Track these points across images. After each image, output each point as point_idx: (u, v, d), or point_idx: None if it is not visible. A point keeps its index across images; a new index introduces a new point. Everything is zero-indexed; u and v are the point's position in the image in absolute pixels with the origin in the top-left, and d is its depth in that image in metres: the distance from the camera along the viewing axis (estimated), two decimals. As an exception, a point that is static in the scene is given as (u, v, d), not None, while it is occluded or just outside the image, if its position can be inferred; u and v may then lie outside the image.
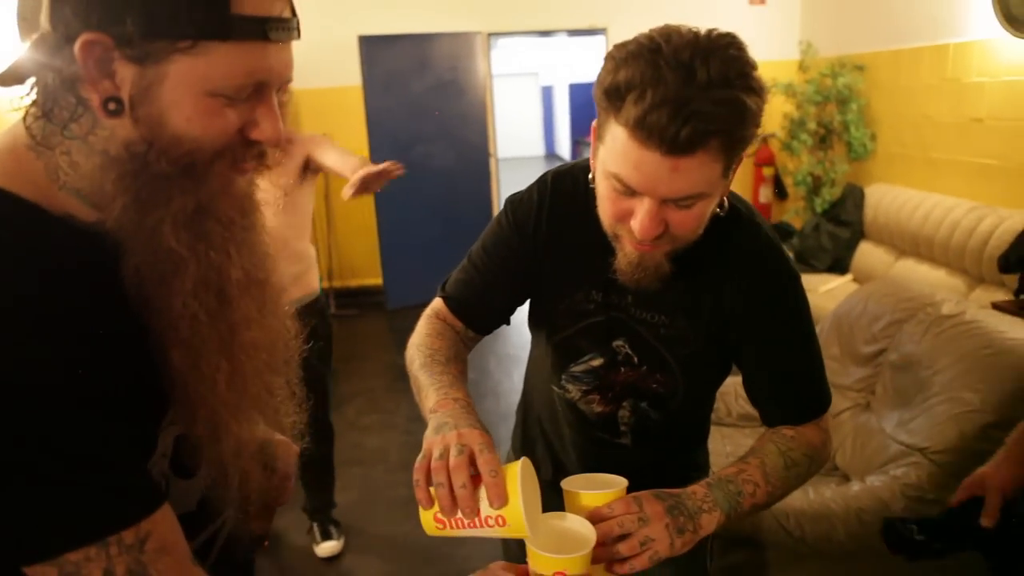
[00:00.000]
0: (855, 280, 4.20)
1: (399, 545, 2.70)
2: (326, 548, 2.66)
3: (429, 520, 0.83)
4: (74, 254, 0.65)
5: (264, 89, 0.66)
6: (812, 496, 1.94)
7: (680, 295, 1.05)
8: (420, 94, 5.27)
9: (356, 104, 5.26)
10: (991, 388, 1.91)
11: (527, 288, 1.15)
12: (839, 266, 4.38)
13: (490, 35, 5.52)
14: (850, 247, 4.38)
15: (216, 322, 0.69)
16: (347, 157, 2.43)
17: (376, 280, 5.62)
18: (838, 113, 4.76)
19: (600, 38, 6.04)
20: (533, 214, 1.11)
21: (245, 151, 0.68)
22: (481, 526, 0.80)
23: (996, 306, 2.74)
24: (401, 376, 4.30)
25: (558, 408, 1.22)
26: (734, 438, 2.51)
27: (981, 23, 3.58)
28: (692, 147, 0.82)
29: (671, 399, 1.13)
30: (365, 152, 5.34)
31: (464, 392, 0.99)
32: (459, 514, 0.79)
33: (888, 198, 4.18)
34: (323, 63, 5.18)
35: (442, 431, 0.85)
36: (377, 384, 4.17)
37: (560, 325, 1.14)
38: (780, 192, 5.53)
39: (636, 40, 0.85)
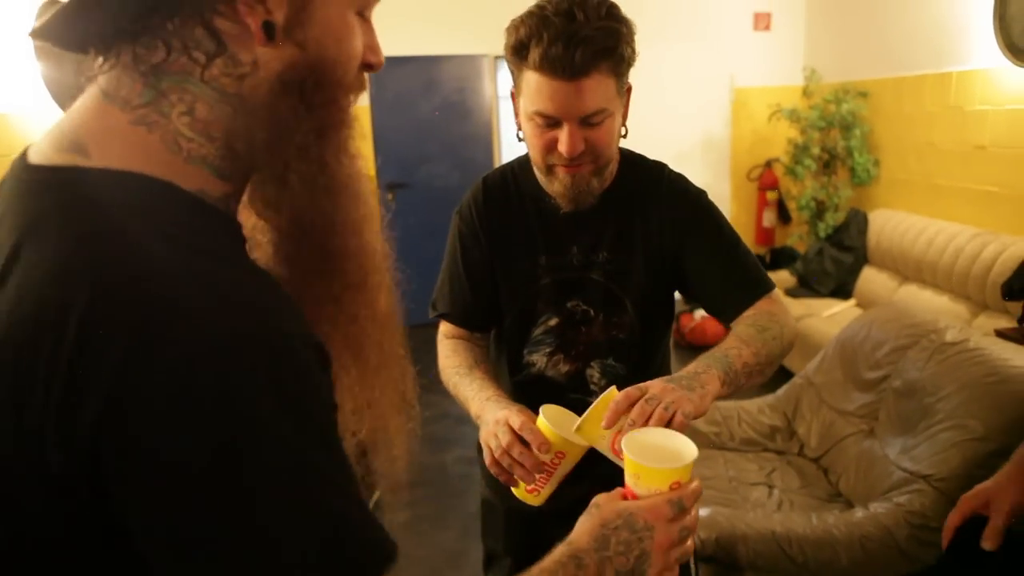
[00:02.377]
0: (858, 305, 4.20)
1: (400, 566, 2.69)
2: None
3: (525, 494, 1.03)
4: (239, 243, 0.58)
5: (370, 10, 0.63)
6: (815, 522, 1.93)
7: (614, 233, 1.24)
8: (427, 115, 5.32)
9: (363, 125, 5.29)
10: (995, 416, 1.91)
11: (495, 278, 1.30)
12: (842, 291, 4.38)
13: (497, 58, 5.57)
14: (853, 272, 4.38)
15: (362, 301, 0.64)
16: None
17: (380, 299, 5.63)
18: (842, 139, 4.78)
19: (606, 62, 6.09)
20: (474, 213, 1.30)
21: (360, 79, 0.62)
22: (555, 470, 1.00)
23: (999, 333, 2.73)
24: (403, 395, 4.33)
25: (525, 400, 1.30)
26: (737, 463, 2.51)
27: (984, 52, 3.61)
28: (587, 68, 1.04)
29: (632, 346, 1.27)
30: (372, 172, 5.38)
31: (492, 387, 1.18)
32: (536, 476, 0.99)
33: (892, 224, 4.19)
34: None
35: (486, 428, 1.07)
36: (379, 403, 4.17)
37: (516, 295, 1.28)
38: (784, 216, 5.54)
39: (527, 10, 1.08)
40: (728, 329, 1.22)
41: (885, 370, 2.41)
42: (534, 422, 1.02)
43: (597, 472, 0.98)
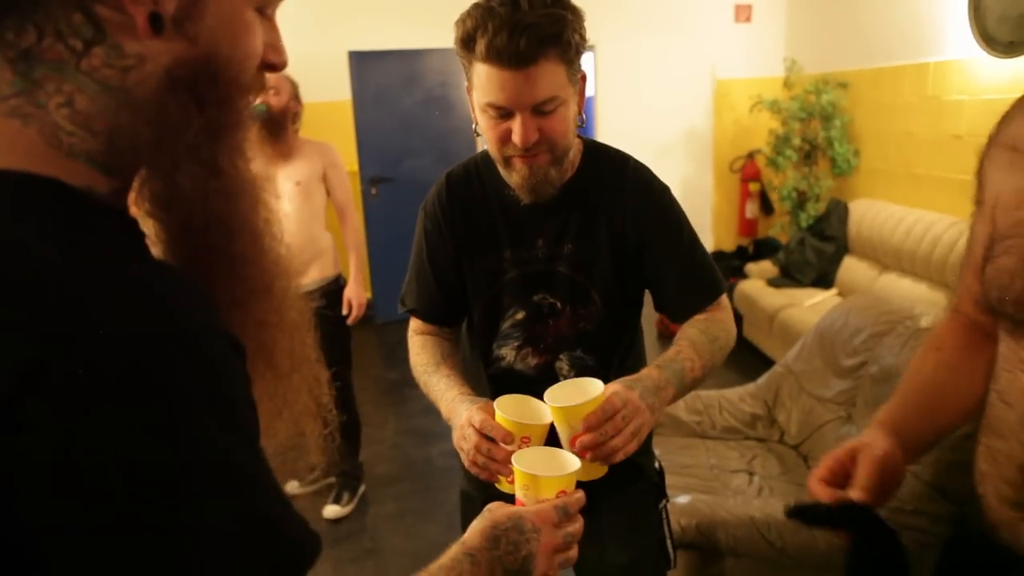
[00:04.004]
0: (840, 294, 4.24)
1: (387, 558, 2.70)
2: (330, 511, 2.91)
3: (507, 485, 1.06)
4: (139, 240, 0.55)
5: (272, 7, 0.59)
6: (793, 507, 1.96)
7: (578, 224, 1.24)
8: (409, 109, 5.31)
9: (346, 119, 5.29)
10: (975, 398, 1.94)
11: (461, 273, 1.30)
12: (824, 280, 4.42)
13: (479, 51, 5.58)
14: (835, 261, 4.43)
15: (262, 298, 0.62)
16: (349, 210, 2.86)
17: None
18: (822, 129, 4.83)
19: (589, 55, 6.10)
20: (438, 209, 1.30)
21: (259, 79, 0.60)
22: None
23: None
24: (389, 390, 4.30)
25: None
26: (718, 450, 2.54)
27: (959, 42, 3.65)
28: (534, 56, 1.04)
29: (600, 336, 1.28)
30: (355, 167, 5.36)
31: (457, 385, 1.20)
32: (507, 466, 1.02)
33: (871, 213, 4.23)
34: (313, 78, 5.18)
35: (455, 432, 1.11)
36: (365, 398, 4.17)
37: (483, 290, 1.29)
38: (766, 207, 5.58)
39: (473, 3, 1.08)
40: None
41: (862, 357, 2.44)
42: (494, 416, 1.06)
43: None
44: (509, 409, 1.05)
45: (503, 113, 1.10)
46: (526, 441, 1.03)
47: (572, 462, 0.91)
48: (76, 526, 0.41)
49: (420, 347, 1.33)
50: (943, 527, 1.74)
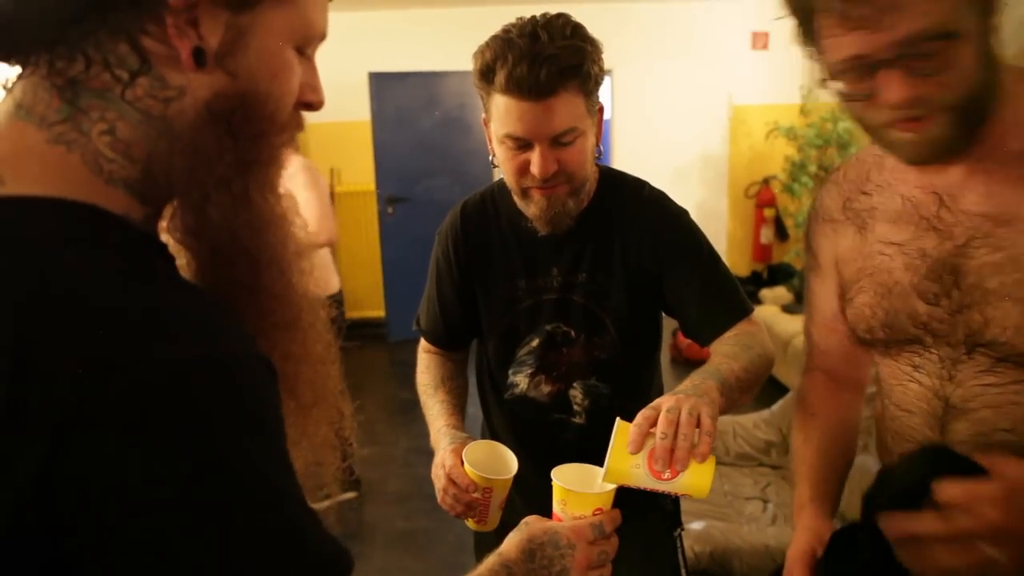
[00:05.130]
0: (855, 322, 4.22)
1: (395, 579, 2.69)
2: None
3: (475, 524, 1.12)
4: (172, 266, 0.56)
5: (312, 48, 0.61)
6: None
7: (593, 254, 1.23)
8: (427, 130, 5.36)
9: (364, 139, 5.35)
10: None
11: (474, 301, 1.31)
12: (839, 308, 4.40)
13: (497, 74, 5.64)
14: (850, 289, 4.41)
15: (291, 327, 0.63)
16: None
17: (379, 312, 5.65)
18: (838, 157, 4.83)
19: (606, 80, 6.15)
20: (453, 236, 1.31)
21: (296, 117, 0.61)
22: (488, 503, 1.09)
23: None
24: (401, 409, 4.31)
25: (510, 425, 1.35)
26: (732, 477, 2.52)
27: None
28: (553, 88, 1.04)
29: (615, 366, 1.26)
30: (372, 186, 5.42)
31: (446, 414, 1.25)
32: (474, 511, 1.09)
33: (888, 241, 4.22)
34: (333, 98, 5.13)
35: (433, 467, 1.16)
36: (377, 416, 4.18)
37: (497, 318, 1.29)
38: (781, 234, 5.58)
39: (492, 35, 1.09)
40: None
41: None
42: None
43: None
44: (478, 456, 1.10)
45: (522, 144, 1.10)
46: (488, 492, 1.08)
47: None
48: (125, 540, 0.43)
49: (425, 366, 1.37)
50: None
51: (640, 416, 0.88)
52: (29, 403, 0.43)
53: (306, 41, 0.59)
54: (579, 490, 0.88)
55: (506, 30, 1.07)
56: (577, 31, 1.08)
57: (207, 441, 0.45)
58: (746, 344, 1.14)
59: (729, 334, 1.18)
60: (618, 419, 0.91)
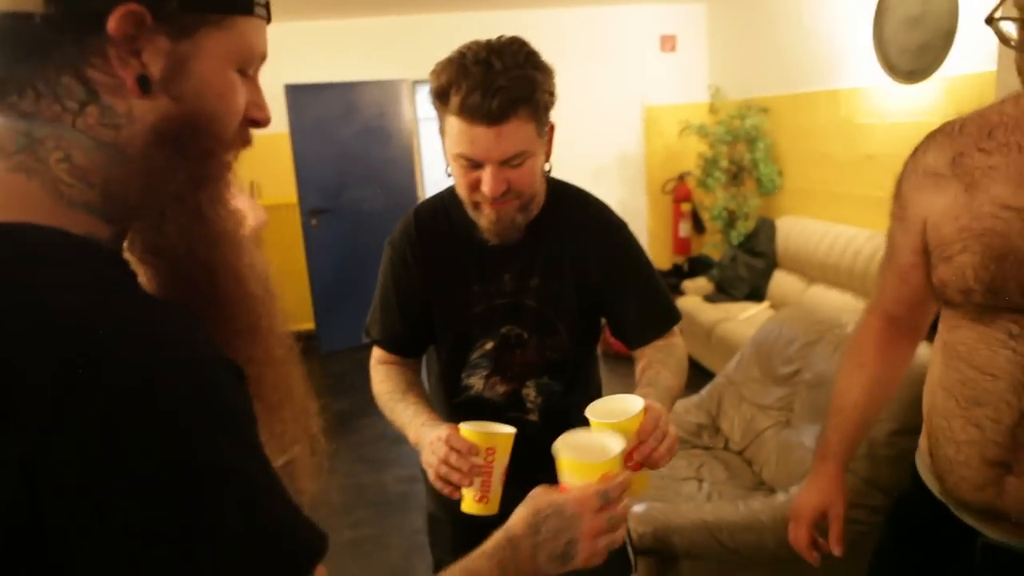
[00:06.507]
0: (772, 307, 4.45)
1: (345, 588, 2.69)
2: None
3: (476, 506, 1.10)
4: (134, 281, 0.59)
5: (254, 68, 0.65)
6: (742, 509, 2.06)
7: (546, 260, 1.30)
8: (348, 140, 5.33)
9: (284, 151, 5.27)
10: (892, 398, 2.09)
11: (428, 306, 1.33)
12: (756, 294, 4.63)
13: (415, 82, 5.66)
14: (765, 276, 4.64)
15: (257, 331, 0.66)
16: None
17: (308, 325, 5.58)
18: (747, 152, 5.07)
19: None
20: (409, 243, 1.33)
21: (243, 134, 0.65)
22: (492, 468, 1.09)
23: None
24: (337, 421, 4.27)
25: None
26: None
27: (867, 71, 3.93)
28: (504, 115, 1.09)
29: (565, 364, 1.34)
30: (294, 199, 5.34)
31: (426, 412, 1.25)
32: (477, 481, 1.08)
33: (797, 229, 4.47)
34: None
35: (425, 452, 1.14)
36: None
37: (452, 322, 1.33)
38: (698, 226, 5.81)
39: (448, 56, 1.13)
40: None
41: (797, 364, 2.59)
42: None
43: (539, 480, 1.05)
44: (474, 427, 1.11)
45: (473, 164, 1.14)
46: (491, 452, 1.08)
47: (614, 446, 0.90)
48: (102, 527, 0.46)
49: (384, 376, 1.37)
50: (879, 517, 1.86)
51: (651, 420, 1.02)
52: (9, 412, 0.45)
53: (247, 62, 0.62)
54: (584, 459, 0.87)
55: (461, 54, 1.11)
56: (530, 59, 1.12)
57: (179, 437, 0.48)
58: (678, 357, 1.32)
59: (661, 343, 1.34)
60: (640, 400, 1.04)
